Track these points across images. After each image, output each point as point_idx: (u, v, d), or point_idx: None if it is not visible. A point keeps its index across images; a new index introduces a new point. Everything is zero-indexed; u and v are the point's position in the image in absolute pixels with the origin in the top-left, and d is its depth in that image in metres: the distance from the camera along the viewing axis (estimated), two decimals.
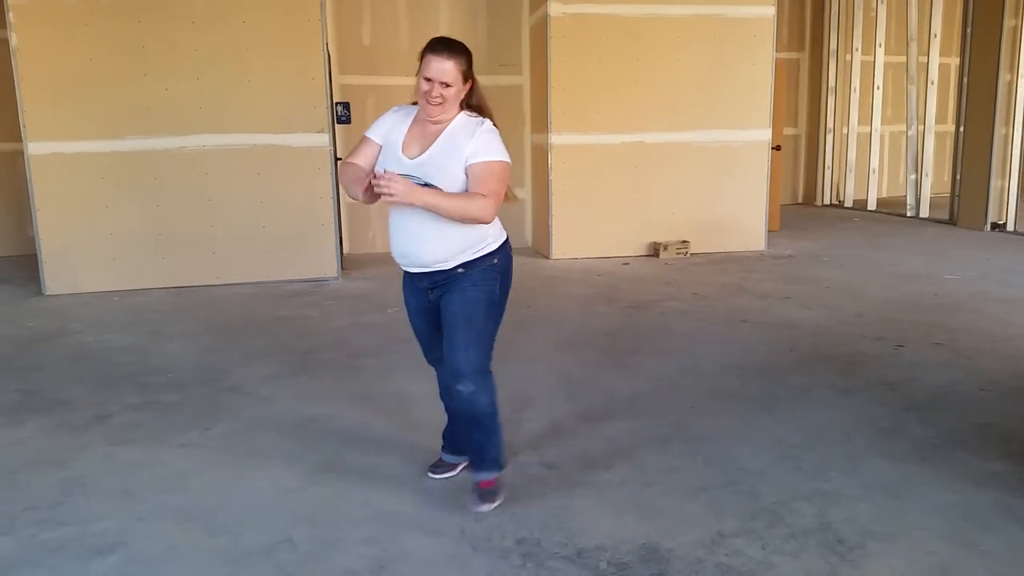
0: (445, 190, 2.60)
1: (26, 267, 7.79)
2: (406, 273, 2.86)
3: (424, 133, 2.70)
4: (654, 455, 3.33)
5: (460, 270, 2.73)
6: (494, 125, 2.74)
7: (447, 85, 2.61)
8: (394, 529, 2.74)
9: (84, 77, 6.58)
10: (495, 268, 2.79)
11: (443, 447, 3.19)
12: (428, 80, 2.61)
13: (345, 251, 7.97)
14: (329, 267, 7.25)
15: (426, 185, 2.58)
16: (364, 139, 2.81)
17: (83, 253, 6.77)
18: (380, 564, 2.53)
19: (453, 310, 2.73)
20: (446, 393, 3.03)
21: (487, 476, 2.88)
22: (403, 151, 2.69)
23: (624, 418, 3.76)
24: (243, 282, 7.02)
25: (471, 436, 2.90)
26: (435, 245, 2.68)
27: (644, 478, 3.11)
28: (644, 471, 3.18)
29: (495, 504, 2.84)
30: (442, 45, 2.64)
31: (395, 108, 2.84)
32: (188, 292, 6.77)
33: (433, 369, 3.09)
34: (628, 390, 4.17)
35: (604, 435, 3.55)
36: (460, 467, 3.15)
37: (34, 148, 6.56)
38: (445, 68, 2.60)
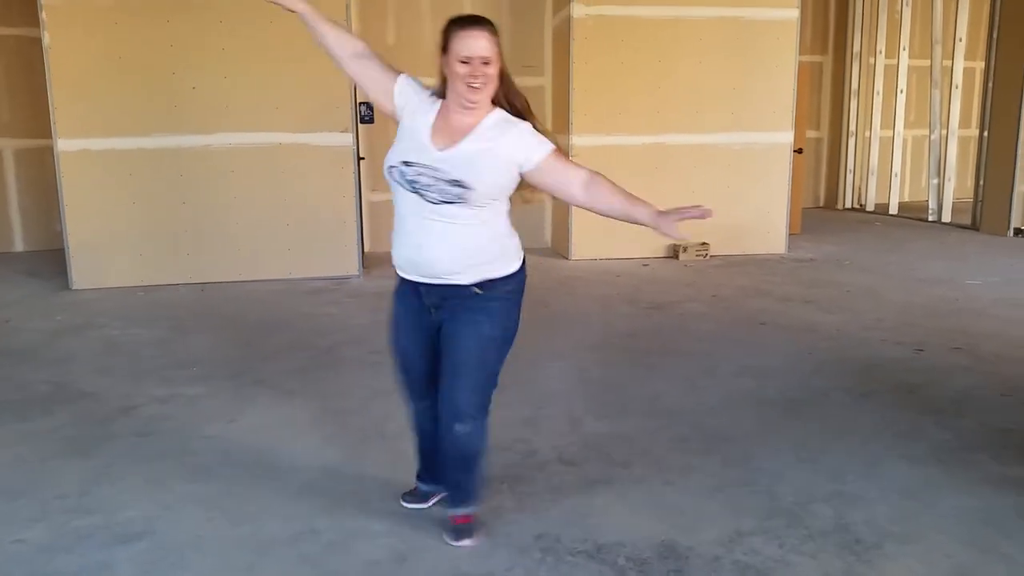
0: (475, 189, 2.31)
1: (54, 262, 7.91)
2: (405, 285, 2.52)
3: (450, 126, 2.38)
4: (673, 454, 3.36)
5: (476, 290, 2.40)
6: (535, 127, 2.43)
7: (487, 63, 2.29)
8: (416, 522, 2.78)
9: (113, 75, 6.68)
10: (515, 295, 2.49)
11: (419, 476, 2.89)
12: (464, 62, 2.28)
13: (366, 249, 8.04)
14: (351, 265, 7.32)
15: (454, 182, 2.30)
16: (390, 74, 2.51)
17: (109, 248, 6.87)
18: (402, 556, 2.57)
19: (465, 346, 2.43)
20: (428, 425, 2.70)
21: (464, 511, 2.65)
22: (431, 141, 2.37)
23: (643, 417, 3.79)
24: (266, 279, 7.10)
25: (453, 473, 2.64)
26: (455, 253, 2.36)
27: (663, 476, 3.14)
28: (663, 470, 3.20)
29: (474, 540, 2.62)
30: (471, 19, 2.33)
31: (427, 88, 2.51)
32: (212, 288, 6.86)
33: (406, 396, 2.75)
34: (647, 390, 4.19)
35: (623, 434, 3.58)
36: (436, 498, 2.87)
37: (64, 145, 6.67)
38: (482, 44, 2.28)
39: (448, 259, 2.37)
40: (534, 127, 2.42)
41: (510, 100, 2.43)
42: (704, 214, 2.30)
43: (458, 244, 2.37)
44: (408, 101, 2.46)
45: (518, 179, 2.42)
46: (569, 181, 2.41)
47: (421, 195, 2.35)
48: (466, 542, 2.62)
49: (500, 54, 2.34)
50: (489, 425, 2.60)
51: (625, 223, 2.47)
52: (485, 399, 2.53)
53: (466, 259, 2.38)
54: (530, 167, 2.38)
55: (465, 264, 2.39)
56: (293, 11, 2.54)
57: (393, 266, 2.53)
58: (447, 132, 2.38)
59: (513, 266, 2.48)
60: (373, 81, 2.53)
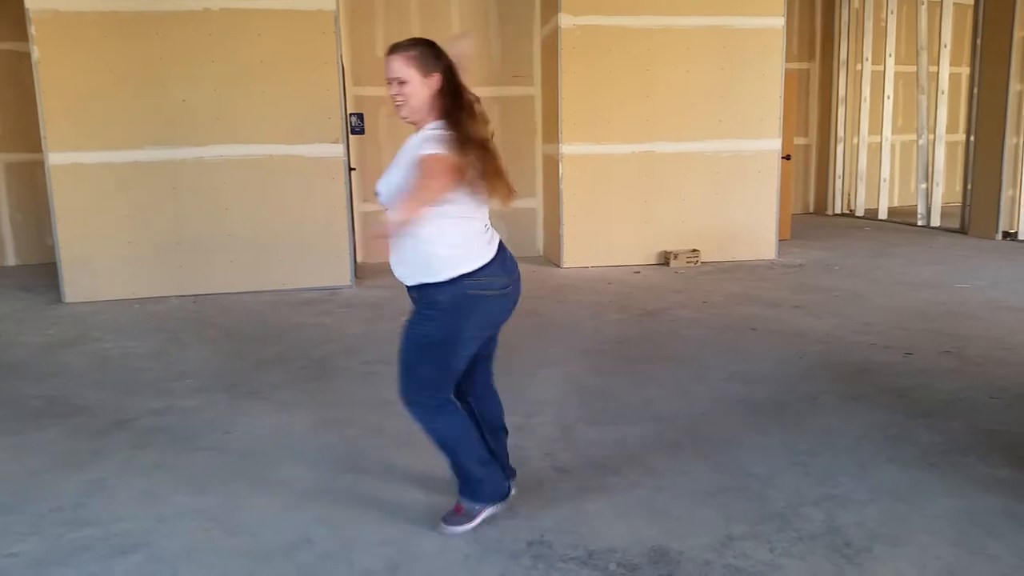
0: (381, 195, 2.60)
1: (45, 275, 7.91)
2: None
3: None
4: (664, 460, 3.38)
5: (414, 293, 2.65)
6: (459, 132, 2.49)
7: (402, 82, 2.54)
8: (409, 530, 2.80)
9: (104, 89, 6.70)
10: (437, 306, 2.57)
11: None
12: (388, 83, 2.57)
13: (359, 260, 8.06)
14: (343, 275, 7.34)
15: (376, 192, 2.63)
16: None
17: (102, 261, 6.88)
18: (396, 564, 2.59)
19: (401, 339, 2.69)
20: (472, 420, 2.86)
21: (461, 501, 2.79)
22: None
23: (635, 423, 3.81)
24: (259, 290, 7.12)
25: None
26: (395, 255, 2.62)
27: (654, 482, 3.16)
28: (654, 475, 3.23)
29: (455, 530, 2.73)
30: (395, 45, 2.59)
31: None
32: (205, 300, 6.87)
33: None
34: (639, 396, 4.22)
35: (615, 440, 3.60)
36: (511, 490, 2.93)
37: (54, 158, 6.68)
38: (394, 66, 2.54)
39: (392, 258, 2.63)
40: (443, 136, 2.48)
41: (449, 113, 2.55)
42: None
43: (400, 248, 2.59)
44: None
45: None
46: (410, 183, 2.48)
47: None
48: (443, 527, 2.76)
49: (423, 67, 2.53)
50: (446, 425, 2.70)
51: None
52: (410, 391, 2.67)
53: (398, 259, 2.62)
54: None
55: (399, 264, 2.63)
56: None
57: None
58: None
59: (440, 276, 2.55)
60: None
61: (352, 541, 2.74)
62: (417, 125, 2.61)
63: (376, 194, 2.63)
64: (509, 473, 2.96)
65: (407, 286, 2.67)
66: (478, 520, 2.77)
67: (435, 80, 2.55)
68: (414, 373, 2.66)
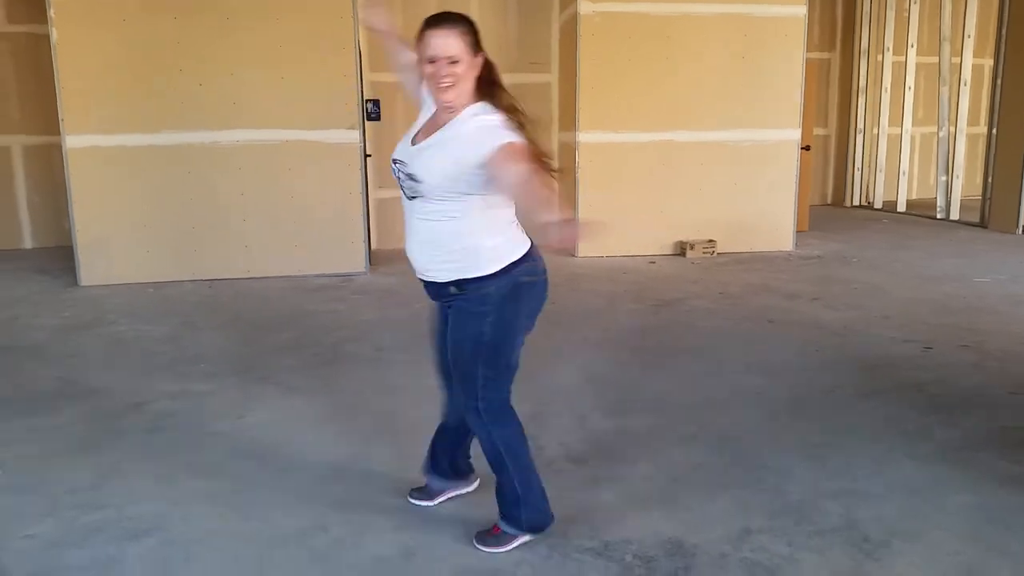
0: (423, 183, 2.32)
1: (62, 258, 7.95)
2: None
3: (434, 122, 2.40)
4: (680, 451, 3.36)
5: (453, 289, 2.41)
6: (513, 118, 2.35)
7: (454, 61, 2.27)
8: (423, 517, 2.79)
9: (121, 72, 6.70)
10: (488, 300, 2.39)
11: (427, 468, 2.87)
12: (431, 61, 2.28)
13: (373, 246, 8.05)
14: (358, 262, 7.33)
15: (409, 176, 2.34)
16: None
17: (118, 245, 6.90)
18: (410, 551, 2.58)
19: (449, 346, 2.50)
20: (451, 418, 2.75)
21: (500, 523, 2.59)
22: (414, 139, 2.42)
23: (650, 414, 3.79)
24: (273, 275, 7.13)
25: (495, 474, 2.61)
26: (427, 250, 2.40)
27: (670, 474, 3.14)
28: (670, 467, 3.20)
29: (488, 549, 2.56)
30: (439, 17, 2.31)
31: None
32: (220, 285, 6.88)
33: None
34: (654, 386, 4.19)
35: (630, 431, 3.58)
36: (443, 497, 2.88)
37: (71, 141, 6.70)
38: (448, 42, 2.26)
39: (420, 255, 2.43)
40: (508, 121, 2.32)
41: (493, 95, 2.38)
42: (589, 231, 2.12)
43: (426, 240, 2.39)
44: (424, 99, 2.51)
45: (477, 173, 2.27)
46: (503, 177, 2.20)
47: (402, 190, 2.43)
48: (482, 547, 2.58)
49: (473, 45, 2.32)
50: (503, 436, 2.53)
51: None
52: (472, 398, 2.49)
53: (434, 255, 2.39)
54: (481, 161, 2.24)
55: (434, 261, 2.40)
56: (376, 28, 2.64)
57: None
58: (430, 126, 2.41)
59: (488, 269, 2.37)
60: (414, 88, 2.58)
61: (365, 527, 2.73)
62: (453, 111, 2.35)
63: (410, 177, 2.35)
64: (466, 468, 2.91)
65: (440, 283, 2.43)
66: (512, 546, 2.57)
67: (480, 60, 2.36)
68: (472, 375, 2.46)
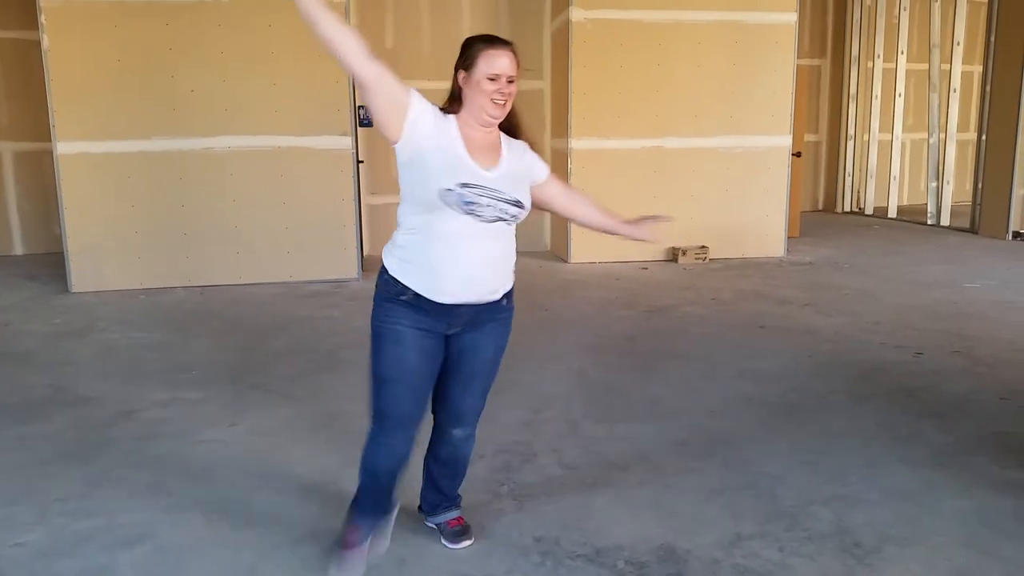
0: (526, 207, 2.41)
1: (52, 264, 7.92)
2: (422, 310, 2.35)
3: (477, 145, 2.35)
4: (672, 457, 3.36)
5: (504, 302, 2.47)
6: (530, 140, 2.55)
7: (511, 81, 2.34)
8: (416, 525, 2.78)
9: (112, 78, 6.69)
10: (511, 309, 2.54)
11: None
12: (493, 79, 2.30)
13: (366, 252, 8.04)
14: (350, 268, 7.33)
15: (515, 202, 2.35)
16: (403, 87, 2.28)
17: (109, 251, 6.88)
18: (402, 560, 2.57)
19: (485, 356, 2.48)
20: (406, 453, 2.52)
21: (458, 513, 2.73)
22: (474, 162, 2.31)
23: (642, 420, 3.79)
24: (266, 282, 7.11)
25: (449, 481, 2.70)
26: (503, 269, 2.41)
27: (662, 480, 3.14)
28: (662, 473, 3.21)
29: (472, 538, 2.67)
30: (498, 39, 2.37)
31: (433, 105, 2.37)
32: (212, 291, 6.86)
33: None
34: (646, 393, 4.19)
35: (622, 437, 3.58)
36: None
37: (63, 148, 6.68)
38: (508, 62, 2.33)
39: (498, 276, 2.40)
40: (531, 144, 2.53)
41: (512, 118, 2.46)
42: (661, 220, 2.61)
43: (505, 260, 2.41)
44: (422, 116, 2.29)
45: None
46: (560, 193, 2.62)
47: (476, 216, 2.28)
48: (466, 543, 2.66)
49: (518, 75, 2.40)
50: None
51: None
52: (484, 404, 2.61)
53: (507, 274, 2.44)
54: (539, 182, 2.54)
55: (508, 278, 2.45)
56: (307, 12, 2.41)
57: (407, 290, 2.35)
58: (480, 151, 2.35)
59: (513, 277, 2.53)
60: (388, 92, 2.26)
61: None
62: (491, 130, 2.40)
63: (520, 208, 2.39)
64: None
65: (494, 301, 2.42)
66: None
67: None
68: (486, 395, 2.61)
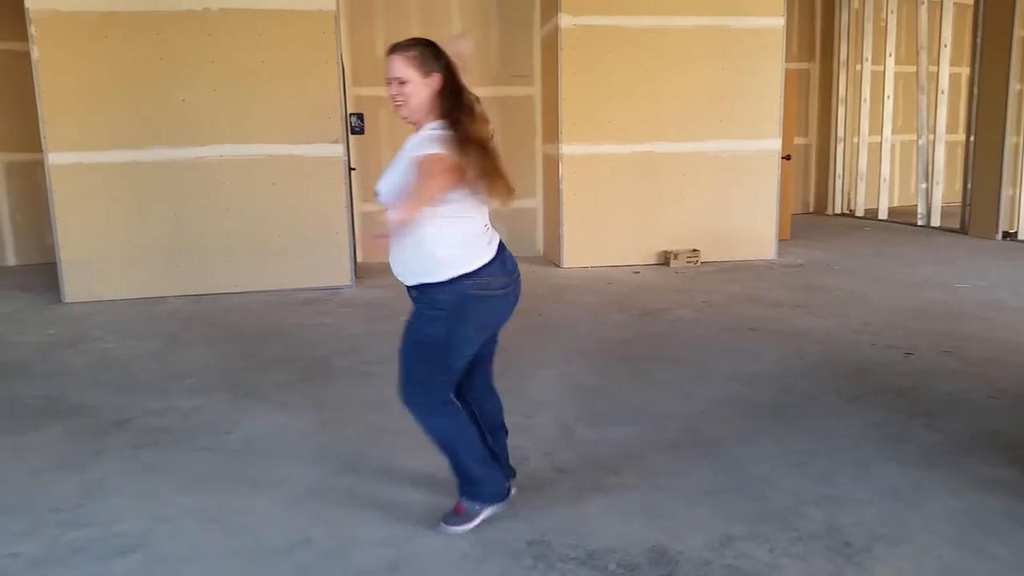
0: (380, 194, 2.60)
1: (45, 275, 7.91)
2: None
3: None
4: (664, 460, 3.38)
5: (414, 293, 2.64)
6: (459, 133, 2.50)
7: (402, 82, 2.54)
8: (409, 530, 2.80)
9: (103, 89, 6.70)
10: (442, 305, 2.57)
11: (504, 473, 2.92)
12: (388, 83, 2.57)
13: (359, 259, 8.05)
14: (343, 275, 7.34)
15: (375, 191, 2.64)
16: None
17: (102, 261, 6.88)
18: (394, 564, 2.59)
19: (402, 340, 2.68)
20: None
21: (463, 502, 2.80)
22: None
23: (634, 424, 3.81)
24: (259, 290, 7.12)
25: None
26: (397, 256, 2.61)
27: (654, 482, 3.16)
28: (654, 475, 3.22)
29: (455, 529, 2.75)
30: (396, 44, 2.59)
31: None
32: (205, 300, 6.87)
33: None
34: (638, 396, 4.22)
35: (614, 440, 3.60)
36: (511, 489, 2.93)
37: (54, 158, 6.68)
38: (393, 65, 2.55)
39: (396, 260, 2.62)
40: (442, 136, 2.49)
41: (449, 113, 2.54)
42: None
43: (401, 246, 2.57)
44: None
45: None
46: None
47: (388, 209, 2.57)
48: (443, 527, 2.77)
49: (423, 67, 2.54)
50: (444, 425, 2.71)
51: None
52: (411, 393, 2.67)
53: (399, 260, 2.61)
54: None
55: (399, 264, 2.62)
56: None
57: None
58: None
59: (440, 276, 2.54)
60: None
61: (351, 541, 2.74)
62: (417, 125, 2.61)
63: (376, 194, 2.63)
64: (509, 473, 2.96)
65: (407, 285, 2.66)
66: (478, 520, 2.78)
67: (435, 80, 2.55)
68: (415, 373, 2.65)
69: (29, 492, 3.17)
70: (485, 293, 2.59)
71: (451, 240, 2.55)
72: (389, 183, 2.58)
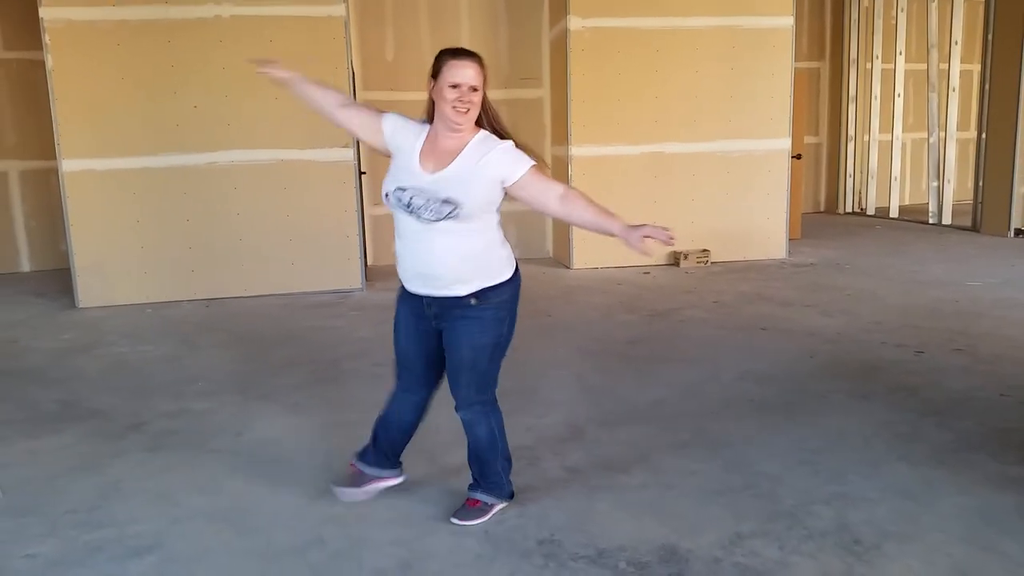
0: (464, 206, 2.54)
1: (59, 281, 7.99)
2: (409, 294, 2.76)
3: (438, 149, 2.62)
4: (673, 459, 3.39)
5: (472, 301, 2.64)
6: (516, 144, 2.67)
7: (474, 90, 2.56)
8: (420, 530, 2.82)
9: (116, 96, 6.77)
10: (505, 305, 2.71)
11: (363, 456, 3.04)
12: (455, 87, 2.54)
13: (369, 263, 8.10)
14: (354, 279, 7.38)
15: (446, 201, 2.53)
16: (377, 114, 2.74)
17: (115, 267, 6.94)
18: (407, 563, 2.61)
19: (460, 355, 2.71)
20: (408, 416, 2.96)
21: (477, 496, 2.89)
22: (420, 166, 2.61)
23: (644, 423, 3.82)
24: (270, 294, 7.16)
25: (473, 462, 2.92)
26: (455, 264, 2.60)
27: (663, 481, 3.17)
28: (663, 474, 3.24)
29: (473, 523, 2.83)
30: (462, 51, 2.61)
31: (414, 119, 2.75)
32: (217, 304, 6.92)
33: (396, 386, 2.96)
34: (648, 396, 4.23)
35: (624, 439, 3.61)
36: (374, 485, 3.01)
37: (68, 165, 6.75)
38: (470, 73, 2.55)
39: (448, 271, 2.61)
40: (515, 145, 2.66)
41: (493, 124, 2.69)
42: (668, 240, 2.58)
43: (457, 255, 2.60)
44: (397, 133, 2.70)
45: (503, 193, 2.65)
46: (546, 194, 2.65)
47: (417, 216, 2.58)
48: (459, 520, 2.84)
49: (486, 84, 2.63)
50: (497, 421, 2.86)
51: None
52: (482, 394, 2.80)
53: (464, 269, 2.62)
54: (512, 182, 2.62)
55: (463, 274, 2.62)
56: (281, 80, 2.81)
57: (399, 277, 2.77)
58: (435, 155, 2.63)
59: (505, 274, 2.71)
60: (361, 125, 2.77)
61: (363, 540, 2.76)
62: (461, 133, 2.62)
63: (454, 204, 2.54)
64: (398, 465, 3.06)
65: (457, 296, 2.64)
66: (491, 515, 2.87)
67: (483, 95, 2.65)
68: (488, 374, 2.77)
69: (46, 495, 3.21)
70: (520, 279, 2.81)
71: (502, 239, 2.73)
72: (470, 194, 2.56)
